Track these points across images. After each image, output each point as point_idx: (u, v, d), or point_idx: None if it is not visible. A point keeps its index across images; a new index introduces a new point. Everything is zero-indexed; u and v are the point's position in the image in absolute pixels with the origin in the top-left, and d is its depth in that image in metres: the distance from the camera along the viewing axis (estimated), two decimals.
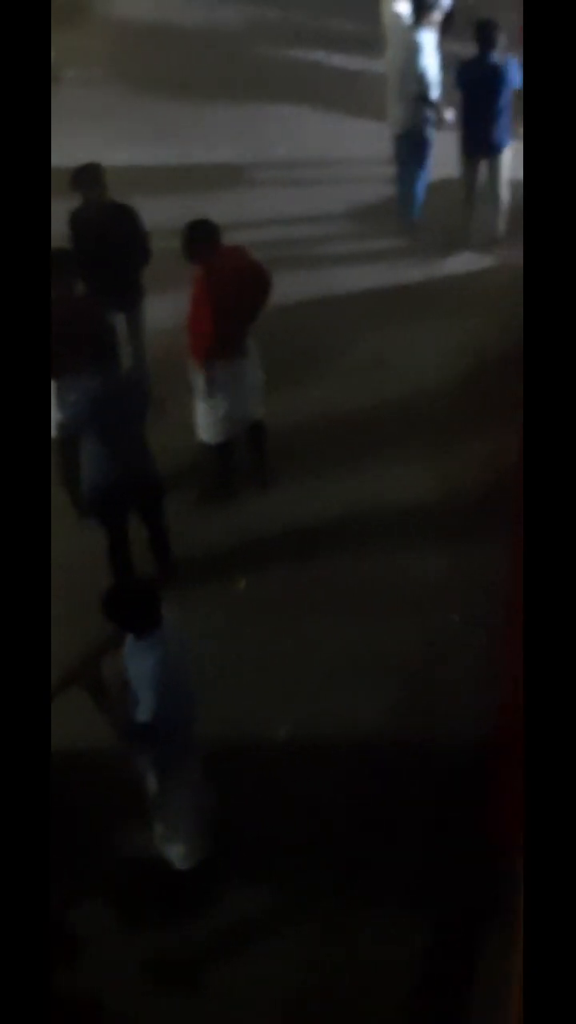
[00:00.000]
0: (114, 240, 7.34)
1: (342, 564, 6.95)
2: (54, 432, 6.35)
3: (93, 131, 10.06)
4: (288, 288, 8.16)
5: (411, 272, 9.33)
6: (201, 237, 6.71)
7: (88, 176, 7.30)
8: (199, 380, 7.04)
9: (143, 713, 4.79)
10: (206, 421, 7.21)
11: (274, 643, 6.53)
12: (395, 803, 5.76)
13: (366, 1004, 5.05)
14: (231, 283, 6.76)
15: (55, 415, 6.34)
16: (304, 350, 8.42)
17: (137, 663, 4.85)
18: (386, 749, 6.00)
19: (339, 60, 11.42)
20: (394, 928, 5.29)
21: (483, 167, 9.23)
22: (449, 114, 9.10)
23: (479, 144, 9.06)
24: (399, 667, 6.35)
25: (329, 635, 6.52)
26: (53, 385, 6.42)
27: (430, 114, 9.12)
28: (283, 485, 7.51)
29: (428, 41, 8.96)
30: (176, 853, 5.43)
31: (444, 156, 9.29)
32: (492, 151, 9.07)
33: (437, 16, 9.24)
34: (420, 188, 9.58)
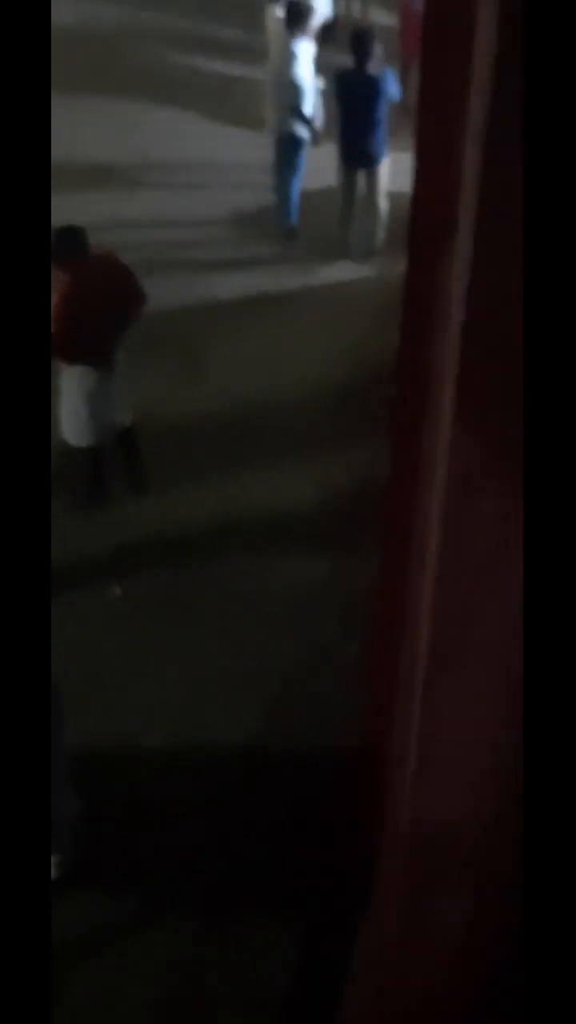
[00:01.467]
0: None
1: (218, 571, 6.94)
2: None
3: None
4: (166, 291, 8.13)
5: (289, 279, 9.39)
6: (68, 242, 6.62)
7: None
8: (63, 382, 6.96)
9: None
10: (70, 423, 7.13)
11: (148, 651, 6.48)
12: (263, 811, 5.76)
13: (235, 1008, 5.05)
14: (99, 290, 6.70)
15: None
16: (181, 354, 8.41)
17: None
18: (256, 757, 6.00)
19: (220, 66, 11.43)
20: (264, 932, 5.29)
21: (361, 178, 9.34)
22: (318, 121, 9.22)
23: (357, 155, 9.17)
24: (272, 676, 6.36)
25: (204, 643, 6.50)
26: None
27: (303, 122, 9.20)
28: (159, 490, 7.47)
29: (304, 50, 9.03)
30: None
31: (326, 166, 9.37)
32: (370, 162, 9.18)
33: (314, 25, 9.33)
34: (294, 194, 9.65)
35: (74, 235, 6.66)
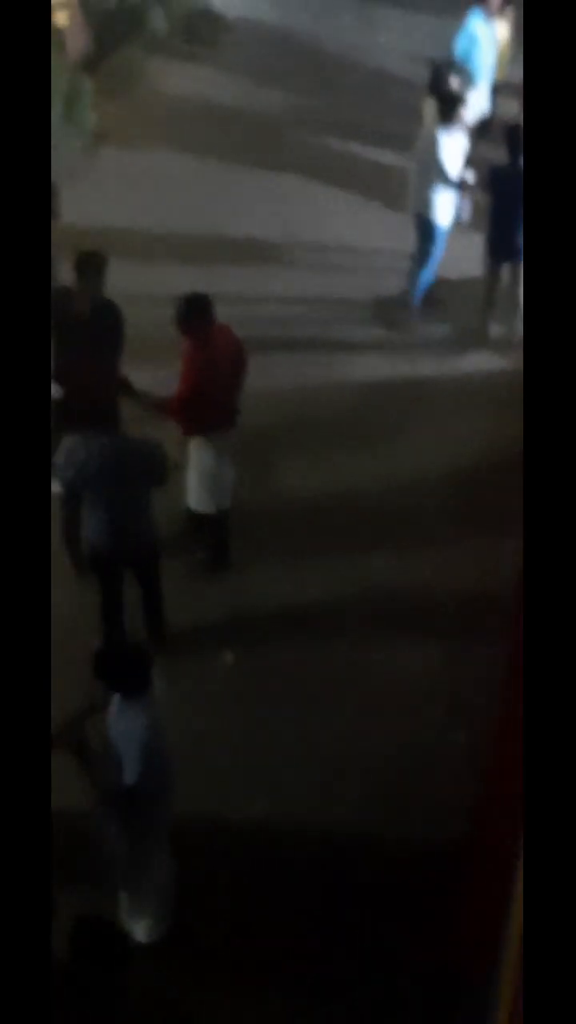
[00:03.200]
0: (95, 332, 7.20)
1: (333, 650, 6.95)
2: (57, 488, 6.37)
3: (128, 194, 10.26)
4: (295, 369, 8.22)
5: (425, 365, 9.44)
6: (196, 310, 6.73)
7: (91, 264, 7.20)
8: (193, 451, 7.10)
9: (128, 777, 4.77)
10: (198, 491, 7.23)
11: (255, 721, 6.50)
12: (363, 899, 5.69)
13: None
14: (223, 357, 6.87)
15: (61, 472, 6.37)
16: (308, 431, 8.52)
17: (124, 725, 4.83)
18: (358, 841, 5.93)
19: (376, 153, 11.63)
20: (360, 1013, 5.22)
21: (506, 270, 9.40)
22: (465, 213, 9.32)
23: (503, 248, 9.23)
24: (380, 761, 6.31)
25: (312, 720, 6.50)
26: (60, 442, 6.49)
27: (441, 209, 9.35)
28: (281, 564, 7.53)
29: (452, 140, 9.17)
30: (141, 926, 5.35)
31: (472, 255, 9.47)
32: (516, 256, 9.23)
33: (470, 119, 9.49)
34: (425, 276, 9.76)
35: (200, 302, 6.75)
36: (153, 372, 7.20)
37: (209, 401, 6.80)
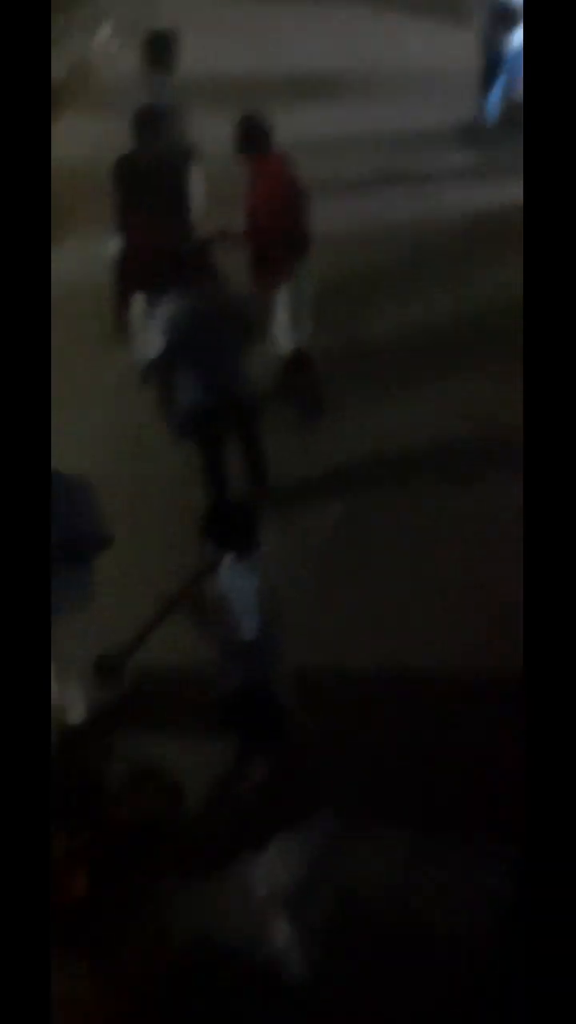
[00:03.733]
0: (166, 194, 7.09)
1: (440, 491, 6.89)
2: (153, 353, 6.38)
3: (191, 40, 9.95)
4: (379, 204, 7.92)
5: (512, 190, 9.07)
6: (253, 133, 6.82)
7: (148, 117, 7.11)
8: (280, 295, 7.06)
9: (247, 632, 4.86)
10: (288, 331, 7.23)
11: (367, 570, 6.52)
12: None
13: None
14: (285, 183, 6.88)
15: (152, 335, 6.36)
16: (394, 268, 8.35)
17: (237, 583, 4.90)
18: (476, 683, 5.94)
19: None
20: None
21: None
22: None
23: None
24: (492, 601, 6.21)
25: (422, 565, 6.47)
26: (150, 305, 6.47)
27: (507, 22, 8.97)
28: (379, 407, 7.43)
29: None
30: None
31: None
32: None
33: None
34: (495, 93, 9.41)
35: (259, 126, 6.83)
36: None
37: (278, 226, 6.82)
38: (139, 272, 7.01)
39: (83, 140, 8.95)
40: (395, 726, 5.73)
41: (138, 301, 7.19)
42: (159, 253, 6.62)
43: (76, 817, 4.38)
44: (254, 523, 4.97)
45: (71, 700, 5.74)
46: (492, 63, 9.36)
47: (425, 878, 5.06)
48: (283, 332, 7.32)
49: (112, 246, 7.20)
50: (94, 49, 10.54)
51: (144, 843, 4.93)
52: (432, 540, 6.62)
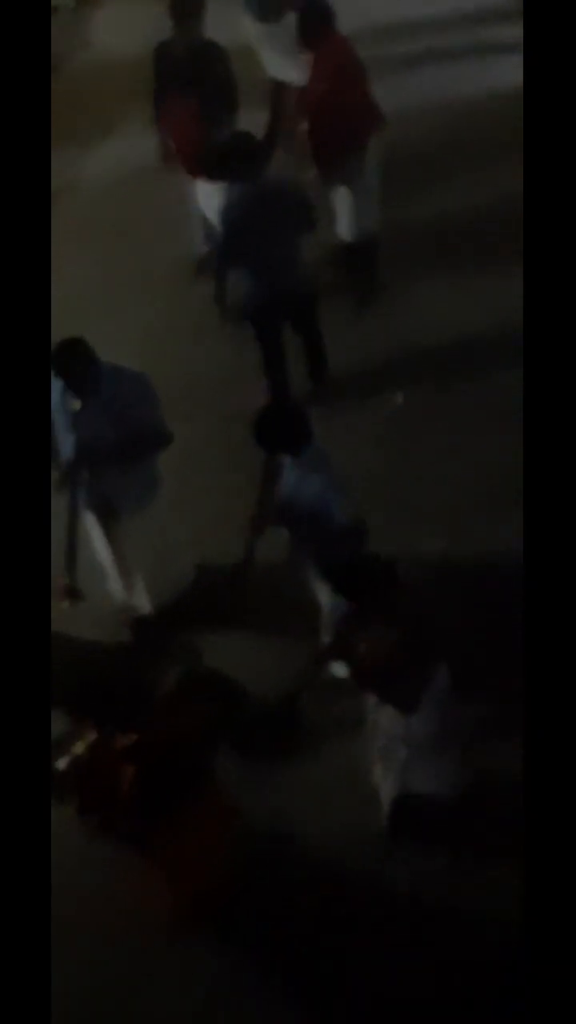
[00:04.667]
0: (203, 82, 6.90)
1: (500, 379, 6.66)
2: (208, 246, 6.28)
3: None
4: (443, 80, 7.61)
5: None
6: (317, 17, 6.66)
7: (188, 7, 6.92)
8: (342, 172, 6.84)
9: (339, 517, 4.82)
10: (348, 215, 7.03)
11: (429, 459, 6.38)
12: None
13: None
14: (348, 65, 6.72)
15: (217, 224, 6.24)
16: (462, 143, 8.08)
17: (305, 485, 4.81)
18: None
19: None
20: None
21: None
22: None
23: None
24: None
25: (487, 452, 6.32)
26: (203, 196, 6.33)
27: None
28: (443, 290, 7.19)
29: None
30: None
31: None
32: None
33: None
34: None
35: (324, 10, 6.68)
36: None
37: (348, 102, 6.65)
38: (187, 161, 6.85)
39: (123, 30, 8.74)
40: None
41: (189, 192, 7.03)
42: (201, 143, 6.58)
43: (126, 719, 4.36)
44: (306, 425, 4.88)
45: (136, 594, 5.76)
46: None
47: None
48: (347, 218, 7.08)
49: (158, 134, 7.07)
50: None
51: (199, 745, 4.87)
52: (493, 429, 6.43)
